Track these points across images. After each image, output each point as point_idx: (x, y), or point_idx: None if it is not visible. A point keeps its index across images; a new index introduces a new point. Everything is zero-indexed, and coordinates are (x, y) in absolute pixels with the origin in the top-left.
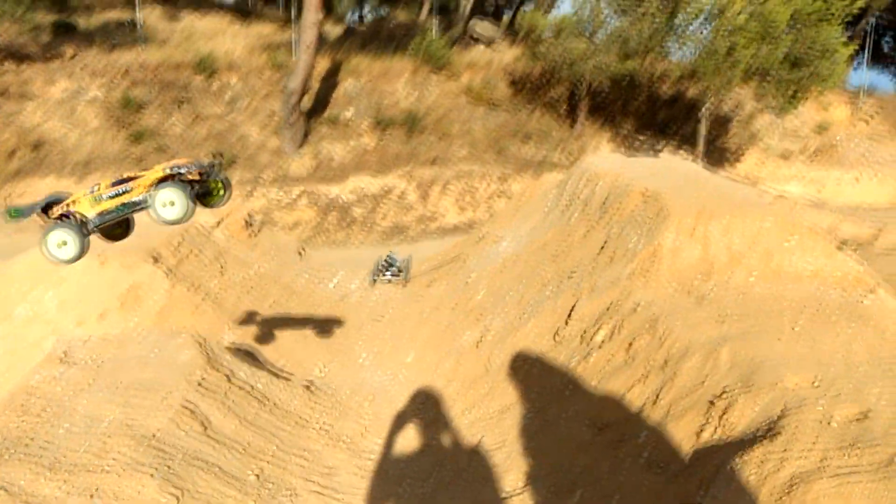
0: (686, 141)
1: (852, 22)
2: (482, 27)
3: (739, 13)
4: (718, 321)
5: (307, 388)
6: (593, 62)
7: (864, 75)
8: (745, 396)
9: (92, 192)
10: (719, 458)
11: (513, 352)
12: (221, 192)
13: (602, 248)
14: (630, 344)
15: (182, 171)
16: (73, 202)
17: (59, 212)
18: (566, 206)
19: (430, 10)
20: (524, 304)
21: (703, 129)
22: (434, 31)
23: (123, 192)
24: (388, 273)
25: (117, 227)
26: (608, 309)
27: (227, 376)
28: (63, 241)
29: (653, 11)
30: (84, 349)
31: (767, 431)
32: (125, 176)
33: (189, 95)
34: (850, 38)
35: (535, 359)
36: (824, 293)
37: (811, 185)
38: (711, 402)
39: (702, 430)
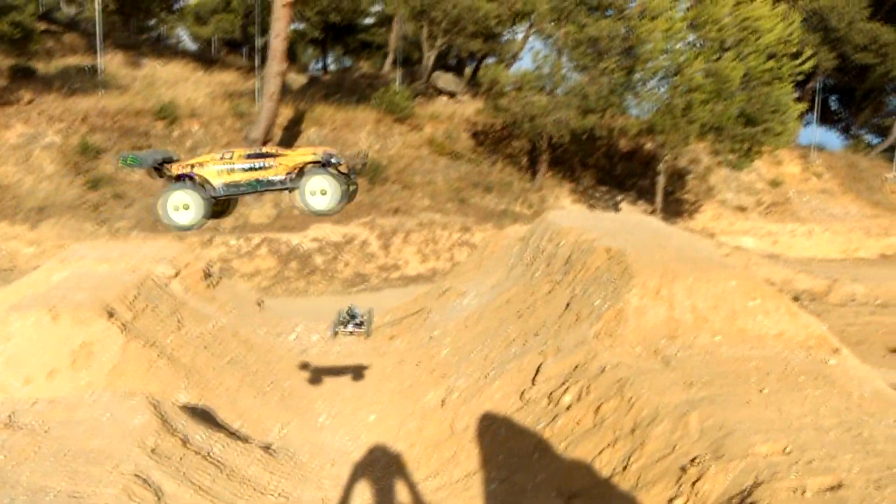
0: (644, 194)
1: (802, 82)
2: (445, 80)
3: (695, 72)
4: (686, 385)
5: (265, 451)
6: (554, 117)
7: (814, 133)
8: (717, 465)
9: (223, 158)
10: None
11: (478, 413)
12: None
13: (567, 306)
14: (598, 407)
15: (333, 160)
16: (200, 164)
17: (180, 171)
18: (530, 262)
19: (394, 62)
20: (489, 363)
21: (661, 183)
22: (398, 83)
23: (260, 168)
24: (349, 325)
25: (223, 202)
26: (575, 370)
27: (182, 441)
28: (185, 204)
29: (612, 69)
30: (31, 413)
31: (741, 503)
32: (264, 150)
33: (149, 142)
34: (800, 98)
35: (502, 421)
36: (789, 355)
37: (766, 238)
38: (683, 470)
39: (673, 500)
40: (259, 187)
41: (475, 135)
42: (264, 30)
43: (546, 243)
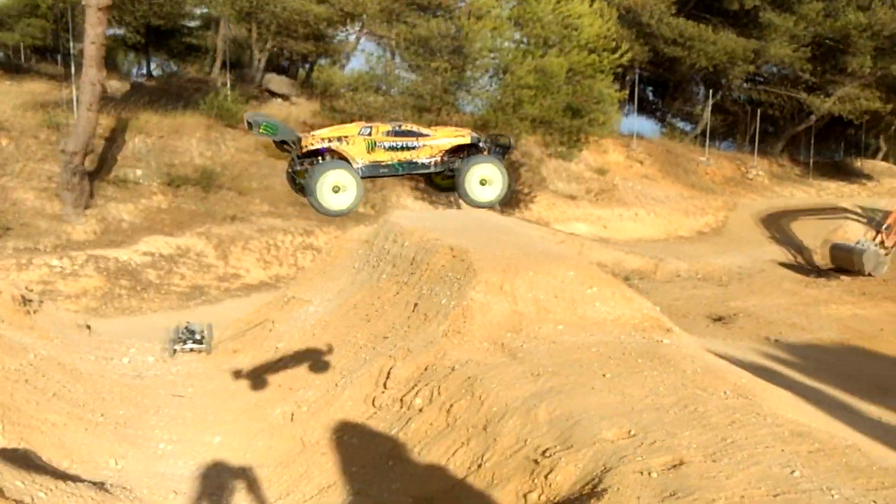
0: None
1: (621, 75)
2: (277, 82)
3: (523, 70)
4: (534, 376)
5: (99, 489)
6: (390, 117)
7: (634, 122)
8: (567, 455)
9: (362, 134)
10: None
11: (330, 425)
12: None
13: (415, 307)
14: (450, 408)
15: (480, 143)
16: (343, 138)
17: (318, 144)
18: (375, 265)
19: (223, 66)
20: (338, 372)
21: None
22: (228, 87)
23: (404, 148)
24: (188, 343)
25: (294, 175)
26: (425, 371)
27: None
28: (341, 184)
29: (443, 68)
30: None
31: (593, 490)
32: (406, 127)
33: None
34: (620, 90)
35: (354, 430)
36: (627, 338)
37: (597, 223)
38: (535, 463)
39: (528, 494)
40: (401, 170)
41: None
42: (78, 35)
43: (390, 244)
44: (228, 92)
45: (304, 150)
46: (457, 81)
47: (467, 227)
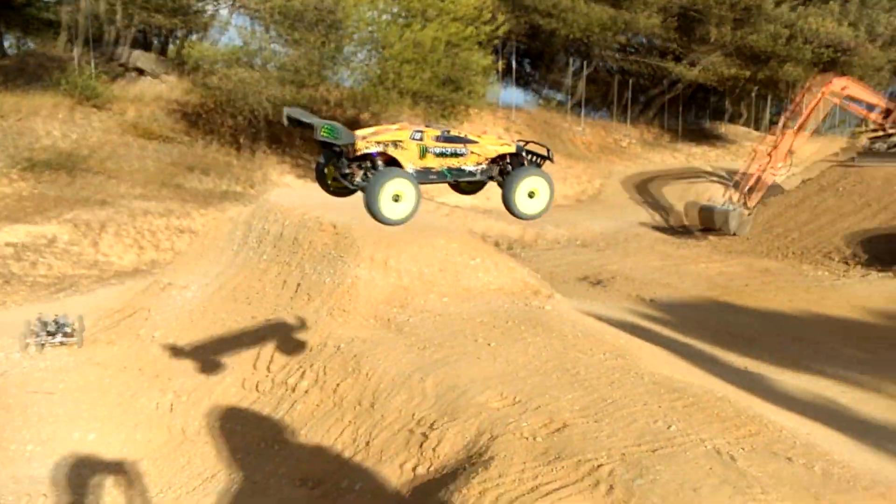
0: None
1: (499, 48)
2: (145, 59)
3: (394, 44)
4: (419, 350)
5: None
6: (266, 93)
7: (512, 94)
8: (454, 426)
9: (413, 139)
10: (440, 497)
11: (211, 413)
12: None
13: (298, 287)
14: (336, 387)
15: (523, 153)
16: (399, 144)
17: (370, 148)
18: (255, 246)
19: (85, 42)
20: (219, 358)
21: None
22: (92, 65)
23: (453, 154)
24: (57, 336)
25: (342, 178)
26: (310, 352)
27: None
28: (402, 194)
29: (321, 42)
30: None
31: (480, 458)
32: (453, 132)
33: None
34: (497, 62)
35: (238, 416)
36: (510, 307)
37: (480, 195)
38: (424, 436)
39: (416, 468)
40: (449, 176)
41: (185, 115)
42: None
43: (271, 224)
44: (93, 70)
45: (357, 153)
46: (333, 56)
47: (349, 203)
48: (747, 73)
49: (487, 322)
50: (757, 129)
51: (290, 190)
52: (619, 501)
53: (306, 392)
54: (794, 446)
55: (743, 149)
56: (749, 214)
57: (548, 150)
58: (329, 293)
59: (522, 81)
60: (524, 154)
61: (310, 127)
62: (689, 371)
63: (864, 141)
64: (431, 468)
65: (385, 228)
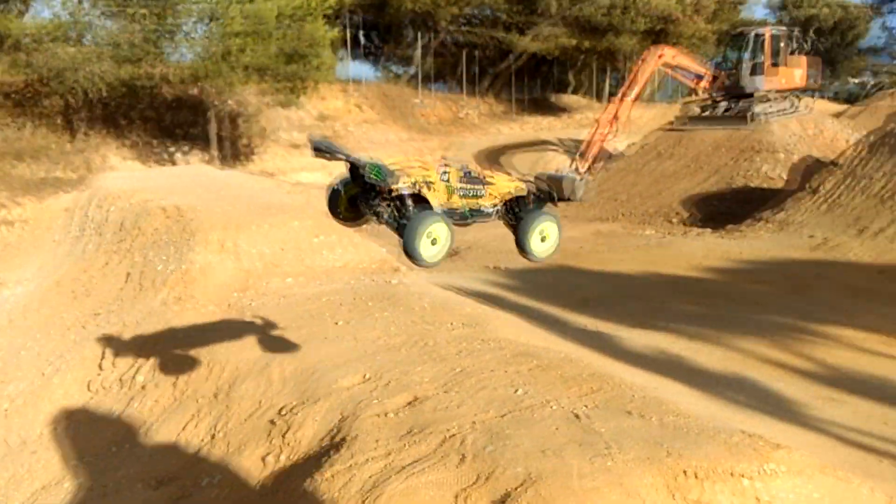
0: (198, 142)
1: (335, 18)
2: None
3: (233, 17)
4: (267, 334)
5: None
6: (85, 70)
7: (351, 67)
8: (304, 410)
9: (442, 179)
10: (294, 485)
11: (43, 418)
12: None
13: (128, 277)
14: (188, 379)
15: (532, 196)
16: (431, 185)
17: (406, 190)
18: (79, 235)
19: None
20: (45, 360)
21: (213, 130)
22: None
23: (474, 196)
24: None
25: (351, 205)
26: (146, 345)
27: None
28: (438, 237)
29: (142, 14)
30: None
31: (332, 441)
32: (472, 171)
33: None
34: (336, 34)
35: (72, 420)
36: (357, 283)
37: (323, 170)
38: (272, 423)
39: (266, 457)
40: (470, 217)
41: (9, 97)
42: None
43: (95, 211)
44: None
45: (394, 192)
46: (158, 29)
47: (185, 185)
48: (586, 44)
49: (334, 300)
50: (599, 99)
51: (130, 173)
52: (471, 470)
53: (157, 387)
54: (633, 399)
55: (587, 119)
56: (593, 181)
57: (551, 192)
58: (163, 281)
59: (371, 56)
60: (532, 195)
61: (339, 159)
62: (534, 334)
63: (694, 108)
64: (283, 455)
65: (232, 211)
